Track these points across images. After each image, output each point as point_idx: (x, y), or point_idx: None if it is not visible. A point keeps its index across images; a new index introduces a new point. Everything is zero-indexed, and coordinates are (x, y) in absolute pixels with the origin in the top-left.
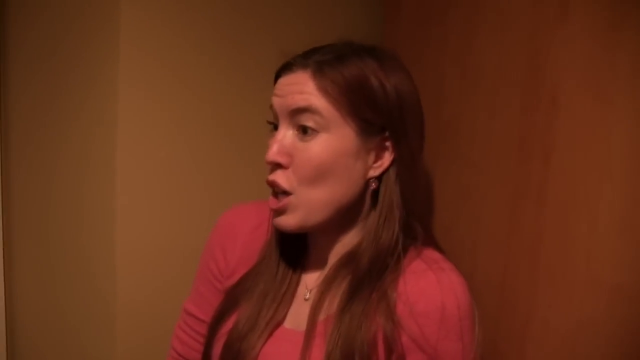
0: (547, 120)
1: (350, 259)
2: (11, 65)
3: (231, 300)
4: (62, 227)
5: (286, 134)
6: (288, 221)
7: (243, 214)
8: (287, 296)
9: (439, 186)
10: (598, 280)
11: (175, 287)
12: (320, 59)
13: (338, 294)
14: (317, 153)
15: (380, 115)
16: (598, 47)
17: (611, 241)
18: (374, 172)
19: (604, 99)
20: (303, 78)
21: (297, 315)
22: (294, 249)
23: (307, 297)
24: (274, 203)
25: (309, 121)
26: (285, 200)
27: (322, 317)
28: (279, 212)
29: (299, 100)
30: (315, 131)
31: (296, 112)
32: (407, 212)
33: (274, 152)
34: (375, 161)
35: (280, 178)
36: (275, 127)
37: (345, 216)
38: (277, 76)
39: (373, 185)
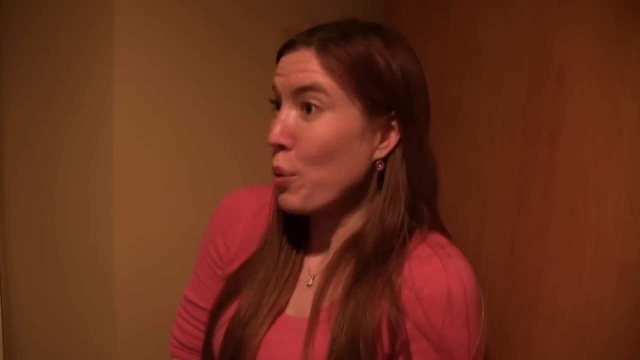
0: (554, 99)
1: (354, 242)
2: (5, 64)
3: (232, 286)
4: (60, 224)
5: (289, 115)
6: (291, 201)
7: (244, 199)
8: (290, 282)
9: (443, 169)
10: (607, 260)
11: (175, 276)
12: (324, 37)
13: (342, 279)
14: (322, 132)
15: (386, 94)
16: (606, 22)
17: (621, 221)
18: (380, 153)
19: (613, 75)
20: (307, 56)
21: (299, 302)
22: (297, 234)
23: (310, 283)
24: (277, 179)
25: (313, 99)
26: (288, 178)
27: (326, 303)
28: (283, 188)
29: (303, 79)
30: (319, 109)
31: (300, 91)
32: (413, 193)
33: (276, 134)
34: (381, 142)
35: (283, 162)
36: (278, 107)
37: (349, 199)
38: (280, 55)
39: (380, 167)
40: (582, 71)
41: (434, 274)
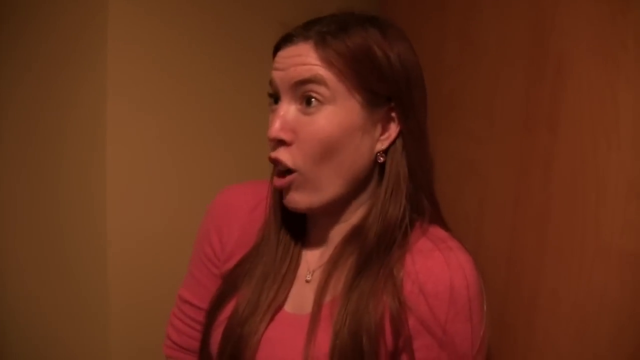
0: (553, 89)
1: (356, 234)
2: (1, 64)
3: (230, 284)
4: (53, 224)
5: (288, 109)
6: (298, 200)
7: (239, 195)
8: (288, 278)
9: (442, 162)
10: (608, 247)
11: (169, 276)
12: (322, 30)
13: (344, 273)
14: (323, 126)
15: (385, 85)
16: (604, 11)
17: (620, 208)
18: (381, 145)
19: (611, 64)
20: (305, 49)
21: (298, 298)
22: (294, 229)
23: (309, 278)
24: (278, 181)
25: (313, 92)
26: (289, 177)
27: (328, 298)
28: (285, 189)
29: (303, 72)
30: (320, 103)
31: (300, 84)
32: (414, 185)
33: (276, 129)
34: (382, 134)
35: (284, 155)
36: (276, 101)
37: (351, 192)
38: (276, 49)
39: (381, 159)
40: (580, 61)
41: (436, 268)
